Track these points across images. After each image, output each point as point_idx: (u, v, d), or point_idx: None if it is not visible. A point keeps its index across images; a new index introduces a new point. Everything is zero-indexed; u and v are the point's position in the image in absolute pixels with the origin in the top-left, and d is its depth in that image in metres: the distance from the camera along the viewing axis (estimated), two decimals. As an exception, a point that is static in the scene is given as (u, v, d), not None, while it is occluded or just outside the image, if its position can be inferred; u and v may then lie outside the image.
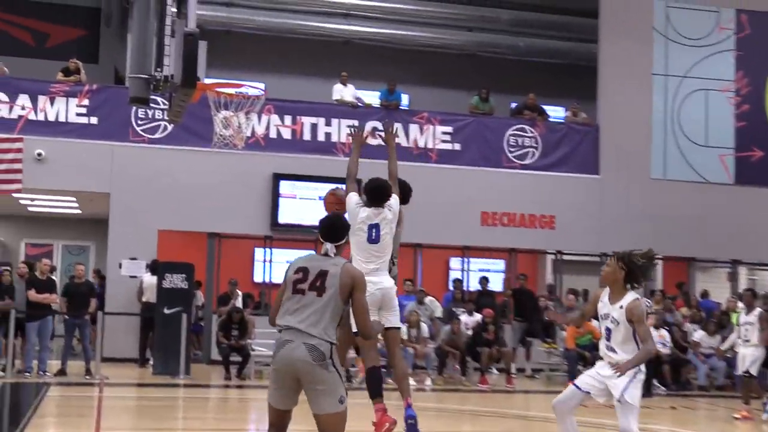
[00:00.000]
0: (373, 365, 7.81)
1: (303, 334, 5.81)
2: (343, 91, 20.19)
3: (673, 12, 21.48)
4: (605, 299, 7.36)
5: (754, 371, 13.78)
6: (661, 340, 17.20)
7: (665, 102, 21.24)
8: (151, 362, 16.77)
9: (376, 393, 7.61)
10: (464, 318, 17.99)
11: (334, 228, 6.19)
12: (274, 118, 19.36)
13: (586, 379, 7.46)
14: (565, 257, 21.08)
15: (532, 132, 20.66)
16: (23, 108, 18.18)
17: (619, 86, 21.03)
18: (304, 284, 5.93)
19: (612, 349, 7.27)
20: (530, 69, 23.83)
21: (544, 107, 21.65)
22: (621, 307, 7.20)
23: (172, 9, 9.31)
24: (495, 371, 17.76)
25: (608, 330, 7.27)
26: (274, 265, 19.21)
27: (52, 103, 18.32)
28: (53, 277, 16.73)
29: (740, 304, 17.14)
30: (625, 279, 7.31)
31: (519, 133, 20.62)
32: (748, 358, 13.85)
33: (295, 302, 5.93)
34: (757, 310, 13.93)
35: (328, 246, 6.09)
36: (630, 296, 7.25)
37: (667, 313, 18.38)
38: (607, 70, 21.16)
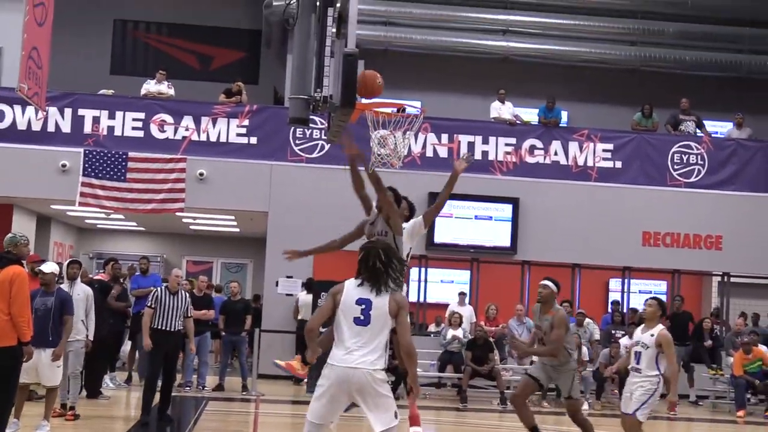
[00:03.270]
0: None
1: None
2: (501, 109, 19.91)
3: None
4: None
5: None
6: None
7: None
8: (305, 380, 16.83)
9: None
10: (624, 341, 17.40)
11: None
12: (431, 137, 19.28)
13: None
14: (733, 279, 20.11)
15: (698, 148, 19.85)
16: (187, 129, 18.70)
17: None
18: None
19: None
20: (697, 83, 22.86)
21: (713, 122, 20.80)
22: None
23: (332, 30, 9.30)
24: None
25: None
26: (429, 285, 19.08)
27: (214, 124, 18.77)
28: (210, 294, 17.07)
29: None
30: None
31: (684, 149, 19.85)
32: None
33: None
34: None
35: None
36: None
37: None
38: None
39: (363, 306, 6.26)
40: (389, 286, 6.35)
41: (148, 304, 11.94)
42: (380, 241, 6.93)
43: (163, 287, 12.15)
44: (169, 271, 23.59)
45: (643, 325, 9.31)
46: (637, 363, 8.93)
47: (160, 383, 11.95)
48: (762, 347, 16.51)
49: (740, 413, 15.90)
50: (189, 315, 12.11)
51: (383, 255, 6.40)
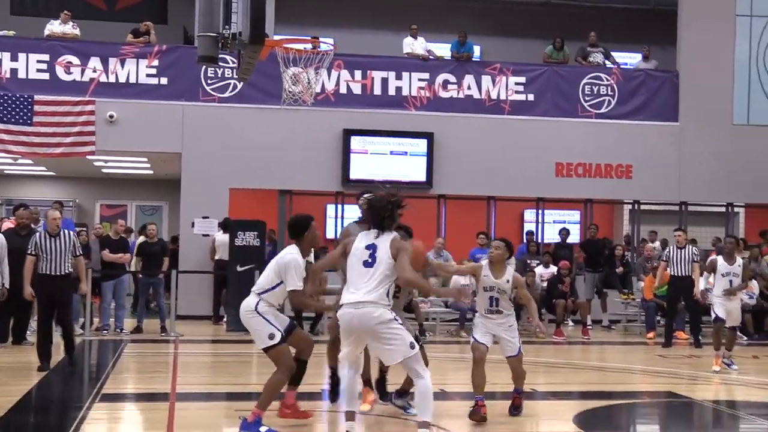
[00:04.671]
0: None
1: None
2: (414, 44, 19.88)
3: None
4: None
5: None
6: (749, 292, 16.85)
7: (749, 44, 20.45)
8: (225, 319, 16.87)
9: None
10: (539, 270, 17.80)
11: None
12: (344, 74, 19.21)
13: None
14: (643, 207, 20.60)
15: (608, 79, 20.14)
16: (94, 71, 18.30)
17: (700, 29, 20.31)
18: None
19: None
20: (606, 15, 23.16)
21: (621, 54, 21.12)
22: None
23: (239, -35, 9.15)
24: (571, 323, 17.54)
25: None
26: (346, 221, 19.10)
27: (122, 65, 18.41)
28: (126, 238, 16.90)
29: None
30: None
31: (594, 81, 20.13)
32: None
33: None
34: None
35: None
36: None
37: (754, 262, 17.88)
38: (688, 13, 20.42)
39: (370, 250, 6.99)
40: (390, 228, 7.12)
41: (29, 251, 11.44)
42: (380, 197, 7.22)
43: (42, 232, 11.75)
44: (82, 217, 23.47)
45: (490, 267, 8.57)
46: (496, 305, 8.47)
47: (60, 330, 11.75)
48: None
49: (650, 335, 16.43)
50: (77, 254, 11.63)
51: (390, 208, 7.12)
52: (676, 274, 15.34)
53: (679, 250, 15.36)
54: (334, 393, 8.61)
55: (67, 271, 11.45)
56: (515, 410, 8.68)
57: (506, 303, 8.55)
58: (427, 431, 6.90)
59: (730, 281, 12.57)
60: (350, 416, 7.26)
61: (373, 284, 6.89)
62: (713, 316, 12.67)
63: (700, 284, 13.78)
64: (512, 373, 8.66)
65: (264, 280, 7.68)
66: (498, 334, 8.52)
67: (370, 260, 6.96)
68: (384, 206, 7.11)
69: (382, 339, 6.90)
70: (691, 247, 15.63)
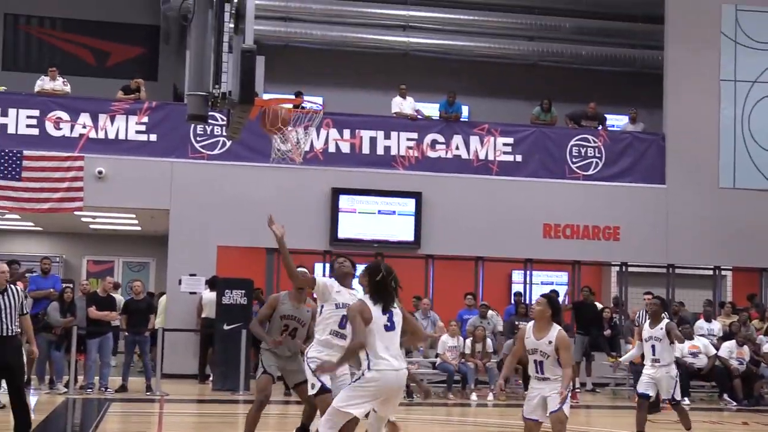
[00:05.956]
0: None
1: None
2: (403, 104, 20.01)
3: (742, 15, 20.88)
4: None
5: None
6: (740, 357, 16.98)
7: (734, 108, 20.67)
8: (211, 378, 16.72)
9: None
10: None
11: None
12: (333, 132, 19.25)
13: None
14: (631, 269, 20.59)
15: (595, 141, 20.27)
16: (84, 126, 18.31)
17: (685, 93, 20.54)
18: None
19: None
20: (593, 78, 23.38)
21: (608, 116, 21.33)
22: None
23: (230, 25, 9.21)
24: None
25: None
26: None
27: (112, 122, 18.43)
28: (113, 295, 16.78)
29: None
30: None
31: (582, 143, 20.24)
32: None
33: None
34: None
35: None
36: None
37: (743, 327, 17.86)
38: (674, 77, 20.65)
39: (387, 314, 7.21)
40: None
41: None
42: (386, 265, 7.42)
43: None
44: (69, 273, 23.33)
45: (533, 327, 8.20)
46: (541, 372, 8.04)
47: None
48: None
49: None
50: (24, 312, 10.09)
51: (395, 279, 7.34)
52: None
53: (647, 314, 15.13)
54: None
55: (14, 332, 9.91)
56: None
57: (553, 367, 8.00)
58: None
59: (653, 347, 11.21)
60: None
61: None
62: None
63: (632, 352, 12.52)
64: None
65: None
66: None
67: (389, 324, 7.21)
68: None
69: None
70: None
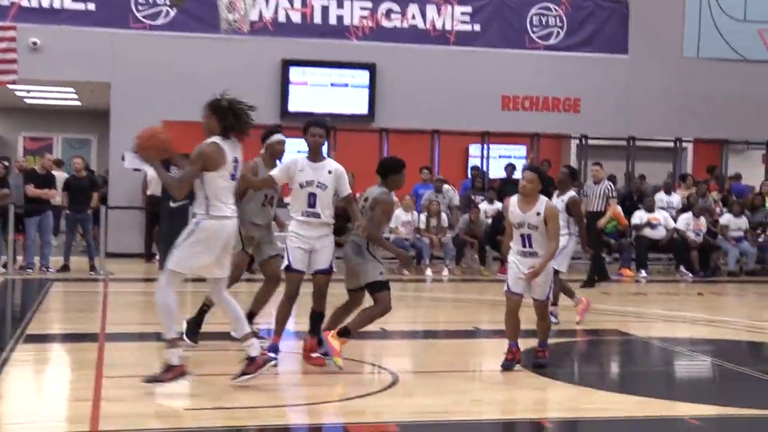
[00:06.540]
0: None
1: None
2: (355, -29, 19.15)
3: None
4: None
5: None
6: (697, 229, 16.91)
7: (701, -26, 20.09)
8: (157, 257, 16.27)
9: None
10: (484, 206, 17.35)
11: None
12: (283, 1, 18.57)
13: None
14: (591, 142, 20.22)
15: (556, 10, 19.63)
16: (15, -6, 17.44)
17: (650, -43, 19.89)
18: None
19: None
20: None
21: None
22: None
23: None
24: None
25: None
26: (285, 155, 18.44)
27: (46, -11, 17.58)
28: (55, 173, 16.17)
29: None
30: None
31: (543, 11, 19.61)
32: None
33: None
34: None
35: None
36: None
37: (701, 198, 17.66)
38: (638, -59, 19.95)
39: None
40: None
41: None
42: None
43: None
44: (4, 150, 22.52)
45: (518, 200, 7.71)
46: (529, 246, 7.55)
47: None
48: (618, 207, 16.64)
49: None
50: None
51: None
52: (590, 210, 14.27)
53: (594, 186, 14.78)
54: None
55: None
56: (539, 366, 7.74)
57: (542, 240, 7.54)
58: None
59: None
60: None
61: None
62: None
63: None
64: (537, 322, 7.82)
65: None
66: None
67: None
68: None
69: None
70: (607, 182, 14.97)
